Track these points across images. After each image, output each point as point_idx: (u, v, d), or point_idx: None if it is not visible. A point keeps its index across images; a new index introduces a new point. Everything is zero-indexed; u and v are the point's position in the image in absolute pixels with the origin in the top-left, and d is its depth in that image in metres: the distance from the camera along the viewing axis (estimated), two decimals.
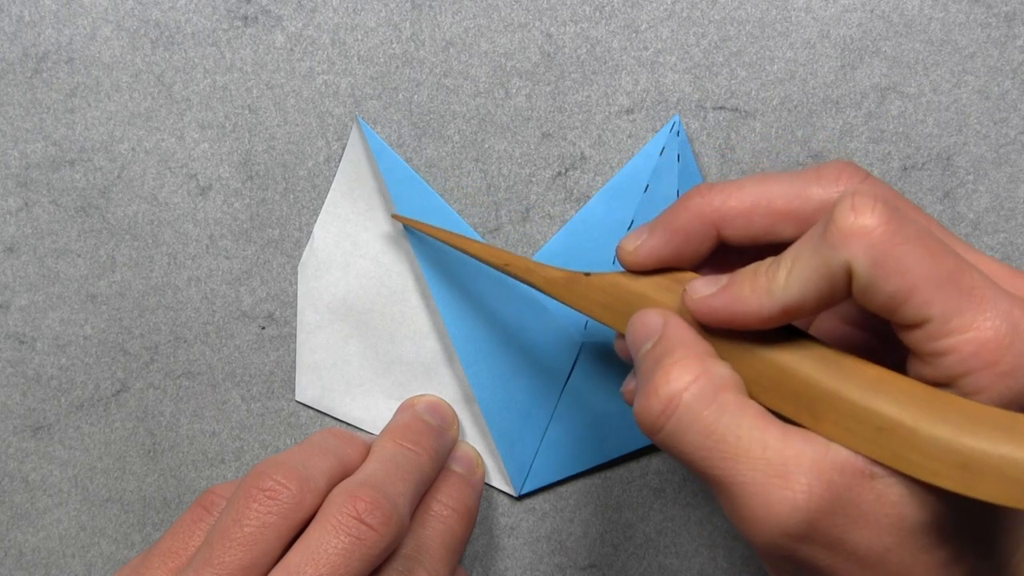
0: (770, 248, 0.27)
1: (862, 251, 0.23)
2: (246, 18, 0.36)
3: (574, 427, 0.37)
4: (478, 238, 0.36)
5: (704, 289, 0.26)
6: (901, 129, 0.35)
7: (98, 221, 0.37)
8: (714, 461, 0.24)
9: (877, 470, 0.23)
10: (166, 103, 0.36)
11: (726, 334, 0.26)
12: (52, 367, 0.37)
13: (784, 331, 0.26)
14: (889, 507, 0.23)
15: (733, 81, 0.35)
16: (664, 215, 0.29)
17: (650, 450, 0.37)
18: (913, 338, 0.24)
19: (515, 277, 0.32)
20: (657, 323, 0.27)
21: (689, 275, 0.28)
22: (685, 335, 0.26)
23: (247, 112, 0.36)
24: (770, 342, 0.26)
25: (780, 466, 0.23)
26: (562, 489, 0.38)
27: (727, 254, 0.28)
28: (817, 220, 0.25)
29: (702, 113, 0.36)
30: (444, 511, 0.32)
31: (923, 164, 0.36)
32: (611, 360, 0.36)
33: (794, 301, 0.24)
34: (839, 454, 0.24)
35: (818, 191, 0.27)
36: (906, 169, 0.36)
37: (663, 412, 0.25)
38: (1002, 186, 0.36)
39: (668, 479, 0.38)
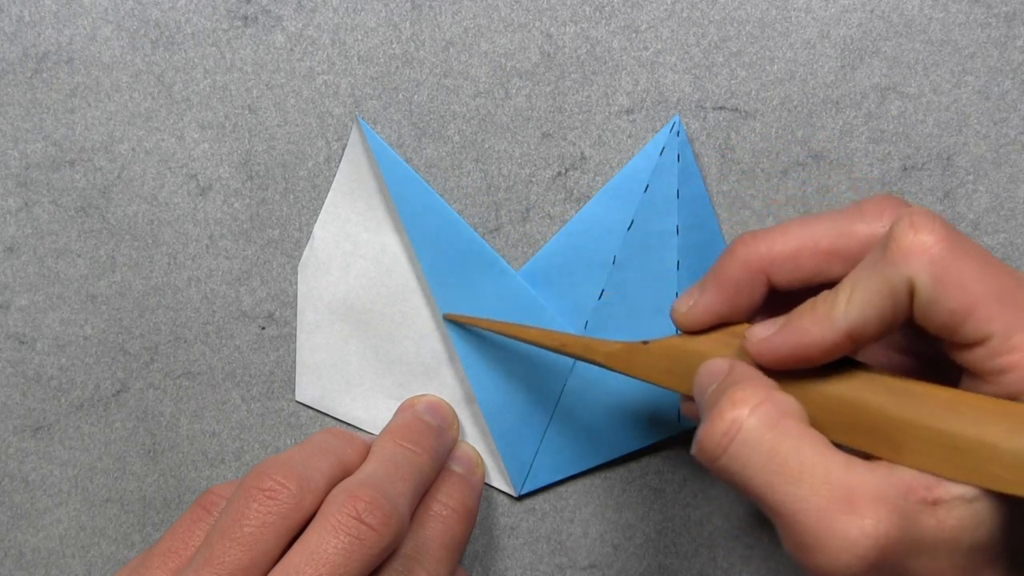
0: (820, 289, 0.27)
1: (924, 267, 0.23)
2: (246, 18, 0.36)
3: (574, 427, 0.37)
4: (480, 241, 0.36)
5: (763, 331, 0.27)
6: (901, 129, 0.35)
7: (98, 221, 0.37)
8: (777, 485, 0.24)
9: (940, 494, 0.24)
10: (166, 103, 0.36)
11: (791, 375, 0.26)
12: (52, 367, 0.37)
13: (846, 366, 0.26)
14: (948, 532, 0.24)
15: (733, 81, 0.35)
16: (712, 270, 0.29)
17: (650, 450, 0.37)
18: (973, 357, 0.24)
19: (573, 356, 0.32)
20: (723, 366, 0.27)
21: (746, 327, 0.28)
22: (750, 371, 0.27)
23: (247, 112, 0.36)
24: (836, 378, 0.26)
25: (845, 491, 0.23)
26: (562, 489, 0.38)
27: (779, 303, 0.29)
28: (865, 256, 0.26)
29: (702, 113, 0.36)
30: (444, 511, 0.32)
31: (923, 164, 0.36)
32: None
33: (857, 325, 0.25)
34: (902, 481, 0.24)
35: (863, 227, 0.27)
36: (906, 169, 0.36)
37: (726, 433, 0.25)
38: (1002, 186, 0.36)
39: (668, 479, 0.38)
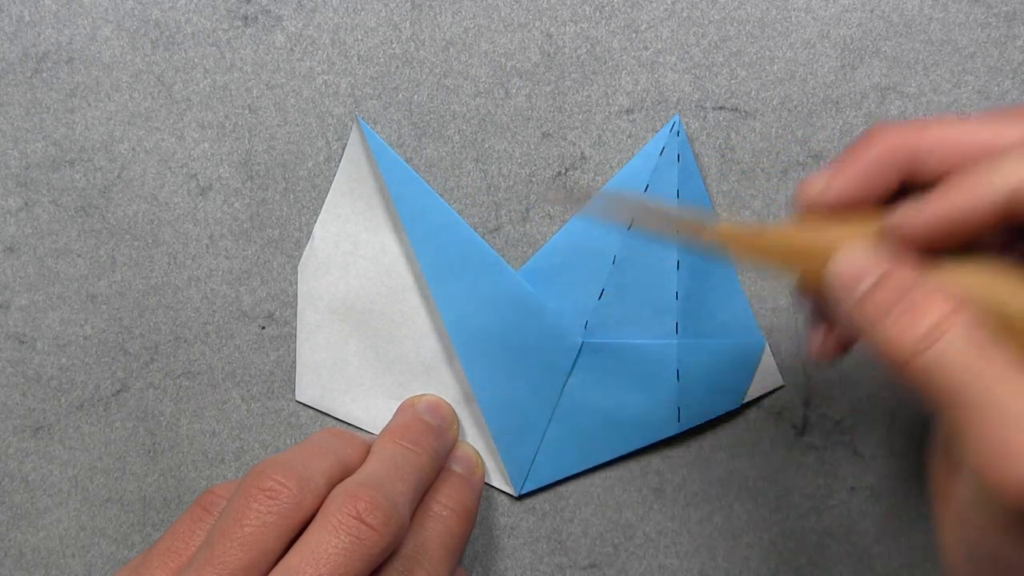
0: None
1: None
2: (246, 18, 0.36)
3: (574, 427, 0.37)
4: (480, 241, 0.36)
5: (912, 208, 0.25)
6: None
7: (98, 221, 0.37)
8: (986, 382, 0.23)
9: None
10: (166, 103, 0.36)
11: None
12: (52, 367, 0.37)
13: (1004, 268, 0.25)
14: None
15: (733, 81, 0.35)
16: (853, 152, 0.27)
17: (650, 450, 0.37)
18: None
19: (689, 237, 0.29)
20: (868, 265, 0.26)
21: (871, 216, 0.26)
22: (913, 273, 0.25)
23: (247, 112, 0.36)
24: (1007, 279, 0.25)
25: None
26: (562, 489, 0.38)
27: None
28: None
29: (702, 113, 0.36)
30: (444, 511, 0.32)
31: None
32: (611, 360, 0.36)
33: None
34: None
35: (1020, 130, 0.25)
36: None
37: (937, 326, 0.24)
38: None
39: (668, 479, 0.38)
